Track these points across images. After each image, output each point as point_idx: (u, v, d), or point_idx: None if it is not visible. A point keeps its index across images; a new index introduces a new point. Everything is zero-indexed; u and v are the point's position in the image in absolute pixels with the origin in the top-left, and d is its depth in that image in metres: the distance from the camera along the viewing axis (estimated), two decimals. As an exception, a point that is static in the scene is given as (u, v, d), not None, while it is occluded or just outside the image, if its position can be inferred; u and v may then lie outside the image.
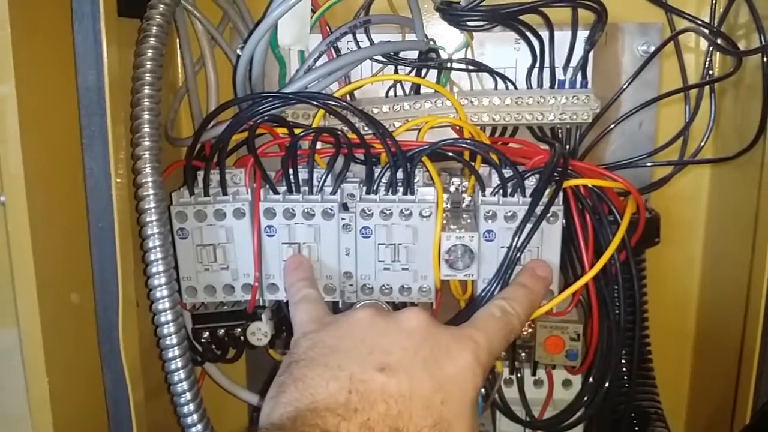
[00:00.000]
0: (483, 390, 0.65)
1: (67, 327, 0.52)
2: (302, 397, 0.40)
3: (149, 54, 0.53)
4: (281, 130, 0.60)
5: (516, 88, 0.65)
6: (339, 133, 0.58)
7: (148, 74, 0.53)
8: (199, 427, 0.55)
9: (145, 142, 0.52)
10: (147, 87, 0.53)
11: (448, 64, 0.65)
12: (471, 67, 0.65)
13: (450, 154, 0.58)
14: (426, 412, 0.39)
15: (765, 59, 0.59)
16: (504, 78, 0.65)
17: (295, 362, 0.43)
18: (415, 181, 0.58)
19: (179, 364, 0.54)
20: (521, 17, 0.61)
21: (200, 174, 0.59)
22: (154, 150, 0.52)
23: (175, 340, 0.53)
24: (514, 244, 0.55)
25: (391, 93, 0.67)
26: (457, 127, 0.61)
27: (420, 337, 0.43)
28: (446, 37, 0.66)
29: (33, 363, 0.50)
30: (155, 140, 0.53)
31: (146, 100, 0.52)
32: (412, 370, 0.41)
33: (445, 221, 0.57)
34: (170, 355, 0.53)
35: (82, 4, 0.50)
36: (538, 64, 0.63)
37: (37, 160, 0.48)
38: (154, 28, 0.53)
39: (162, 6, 0.54)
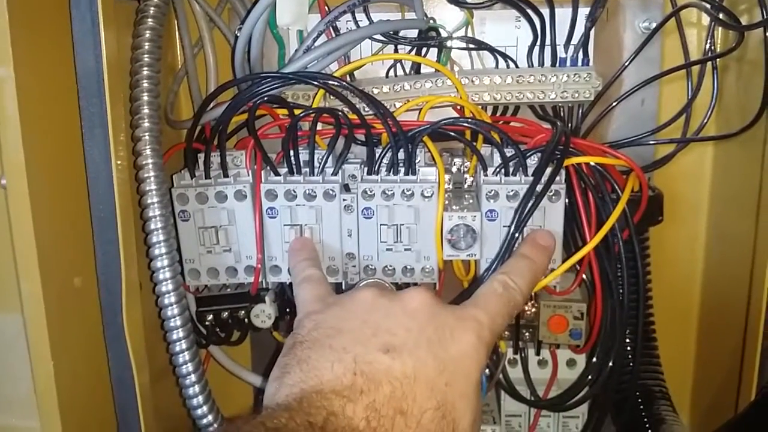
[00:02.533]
0: (487, 370, 0.65)
1: (71, 311, 0.52)
2: (307, 378, 0.40)
3: (147, 35, 0.53)
4: (281, 111, 0.60)
5: (517, 66, 0.65)
6: (339, 113, 0.58)
7: (146, 55, 0.53)
8: (205, 408, 0.55)
9: (144, 123, 0.52)
10: (146, 68, 0.53)
11: (449, 43, 0.64)
12: (471, 46, 0.65)
13: (451, 133, 0.58)
14: (430, 393, 0.39)
15: (767, 33, 0.58)
16: (505, 56, 0.64)
17: (299, 343, 0.43)
18: (417, 161, 0.58)
19: (183, 346, 0.54)
20: (521, -6, 0.61)
21: (201, 156, 0.59)
22: (153, 132, 0.52)
23: (179, 322, 0.53)
24: (515, 222, 0.54)
25: (392, 73, 0.66)
26: (458, 107, 0.61)
27: (423, 317, 0.43)
28: (446, 15, 0.65)
29: (38, 348, 0.50)
30: (155, 122, 0.53)
31: (145, 81, 0.52)
32: (416, 352, 0.41)
33: (447, 201, 0.57)
34: (174, 337, 0.53)
35: (80, -14, 0.49)
36: (539, 42, 0.63)
37: (37, 143, 0.48)
38: (152, 9, 0.53)
39: (160, -13, 0.54)
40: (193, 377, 0.54)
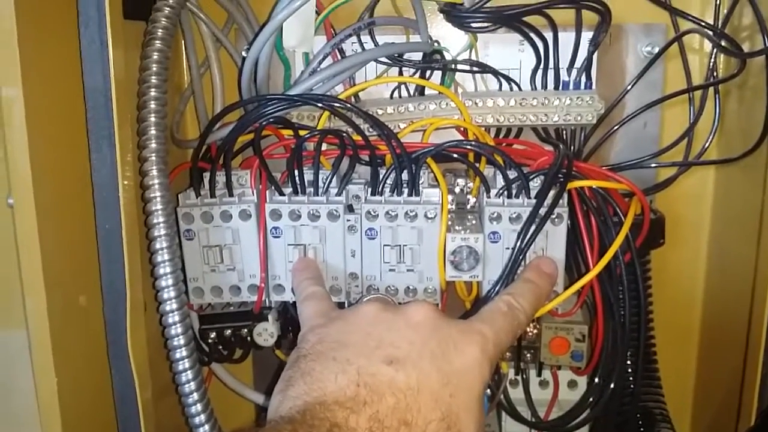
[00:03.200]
0: (489, 391, 0.65)
1: (76, 328, 0.53)
2: (311, 390, 0.40)
3: (155, 56, 0.53)
4: (286, 132, 0.60)
5: (520, 89, 0.65)
6: (344, 134, 0.58)
7: (154, 77, 0.53)
8: (207, 427, 0.55)
9: (151, 144, 0.52)
10: (153, 89, 0.53)
11: (453, 66, 0.65)
12: (475, 69, 0.65)
13: (455, 155, 0.58)
14: (434, 405, 0.40)
15: (769, 60, 0.59)
16: (508, 79, 0.65)
17: (303, 356, 0.43)
18: (420, 182, 0.58)
19: (187, 365, 0.54)
20: (525, 18, 0.61)
21: (206, 175, 0.59)
22: (160, 152, 0.53)
23: (182, 341, 0.53)
24: (518, 245, 0.55)
25: (396, 94, 0.67)
26: (462, 129, 0.62)
27: (427, 330, 0.43)
28: (450, 38, 0.66)
29: (41, 364, 0.50)
30: (162, 142, 0.53)
31: (152, 102, 0.53)
32: (419, 364, 0.41)
33: (450, 222, 0.58)
34: (178, 356, 0.54)
35: (88, 7, 0.50)
36: (542, 65, 0.63)
37: (45, 163, 0.48)
38: (160, 30, 0.54)
39: (167, 9, 0.54)
40: (195, 395, 0.54)
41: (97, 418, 0.56)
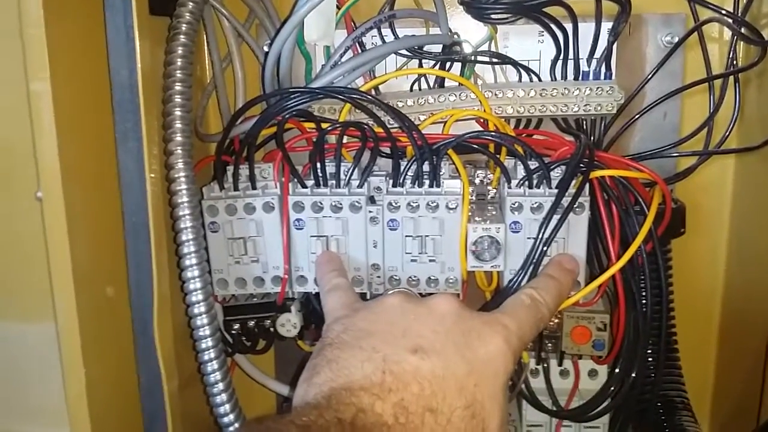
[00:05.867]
0: (510, 381, 0.66)
1: (103, 320, 0.53)
2: (336, 377, 0.40)
3: (180, 51, 0.54)
4: (308, 125, 0.61)
5: (540, 80, 0.65)
6: (365, 126, 0.59)
7: (179, 71, 0.54)
8: (232, 416, 0.56)
9: (177, 137, 0.53)
10: (178, 84, 0.54)
11: (472, 57, 0.65)
12: (495, 60, 0.65)
13: (475, 146, 0.59)
14: (459, 393, 0.40)
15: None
16: (528, 70, 0.65)
17: (329, 345, 0.43)
18: (441, 173, 0.59)
19: (212, 355, 0.55)
20: (545, 9, 0.61)
21: (229, 169, 0.60)
22: (186, 145, 0.53)
23: (208, 331, 0.54)
24: (540, 235, 0.55)
25: (416, 87, 0.67)
26: (482, 120, 0.62)
27: (451, 321, 0.44)
28: (470, 30, 0.66)
29: (70, 356, 0.51)
30: (187, 136, 0.54)
31: (178, 96, 0.54)
32: (444, 353, 0.41)
33: (471, 213, 0.58)
34: (203, 346, 0.54)
35: (115, 2, 0.51)
36: (562, 56, 0.63)
37: (73, 156, 0.49)
38: (184, 26, 0.54)
39: (191, 4, 0.55)
40: (221, 385, 0.55)
41: (124, 409, 0.57)
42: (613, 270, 0.55)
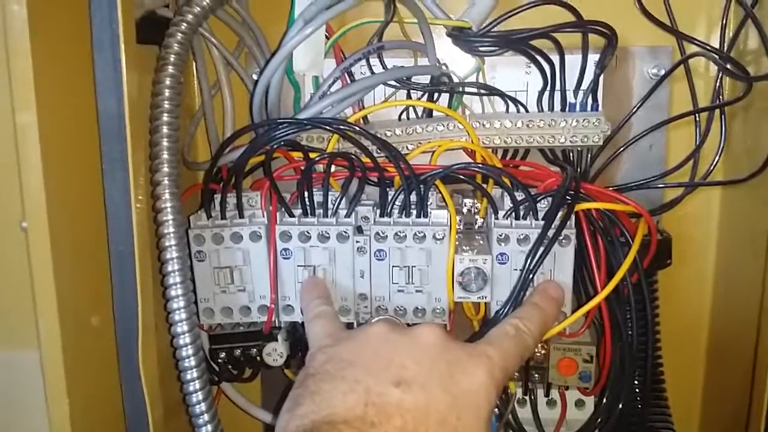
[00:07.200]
0: (497, 410, 0.66)
1: (88, 349, 0.53)
2: (319, 409, 0.40)
3: (168, 82, 0.54)
4: (296, 154, 0.61)
5: (527, 111, 0.66)
6: (353, 156, 0.59)
7: (166, 101, 0.54)
8: (217, 446, 0.55)
9: (164, 168, 0.53)
10: (166, 114, 0.54)
11: (460, 88, 0.65)
12: (482, 91, 0.66)
13: (462, 177, 0.59)
14: (441, 427, 0.40)
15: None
16: (515, 101, 0.65)
17: (311, 376, 0.43)
18: (428, 203, 0.59)
19: (197, 386, 0.54)
20: (532, 42, 0.62)
21: (217, 197, 0.60)
22: (172, 176, 0.53)
23: (193, 362, 0.54)
24: (527, 266, 0.55)
25: (404, 116, 0.67)
26: (469, 150, 0.62)
27: (435, 352, 0.44)
28: (458, 61, 0.66)
29: (54, 385, 0.51)
30: (174, 166, 0.54)
31: (165, 126, 0.54)
32: (427, 386, 0.41)
33: (458, 243, 0.58)
34: (188, 376, 0.54)
35: (102, 32, 0.50)
36: (549, 88, 0.64)
37: (59, 187, 0.49)
38: (172, 56, 0.54)
39: (180, 34, 0.55)
40: (206, 416, 0.55)
41: (108, 438, 0.56)
42: (598, 299, 0.56)
